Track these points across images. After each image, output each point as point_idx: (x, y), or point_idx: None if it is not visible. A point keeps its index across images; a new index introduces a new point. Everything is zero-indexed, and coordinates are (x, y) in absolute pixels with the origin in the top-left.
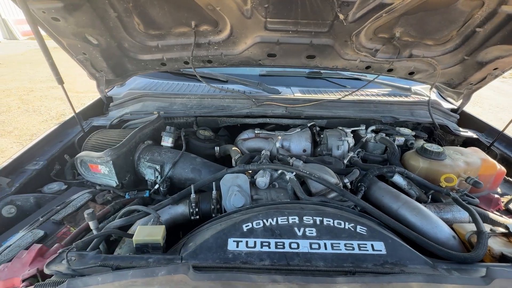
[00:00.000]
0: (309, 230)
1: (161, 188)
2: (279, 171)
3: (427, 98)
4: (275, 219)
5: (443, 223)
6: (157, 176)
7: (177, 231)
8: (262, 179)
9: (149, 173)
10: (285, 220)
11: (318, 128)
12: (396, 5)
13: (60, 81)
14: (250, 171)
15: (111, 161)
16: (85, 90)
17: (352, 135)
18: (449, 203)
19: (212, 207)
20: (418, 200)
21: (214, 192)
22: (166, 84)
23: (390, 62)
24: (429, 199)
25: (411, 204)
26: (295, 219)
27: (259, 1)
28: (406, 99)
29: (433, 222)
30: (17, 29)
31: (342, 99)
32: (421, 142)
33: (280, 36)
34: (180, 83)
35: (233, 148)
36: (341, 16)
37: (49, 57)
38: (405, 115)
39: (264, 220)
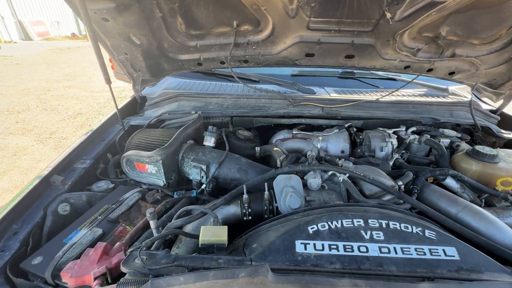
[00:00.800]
0: (376, 234)
1: (206, 188)
2: (330, 173)
3: (465, 99)
4: (339, 221)
5: (509, 228)
6: (202, 176)
7: None
8: (315, 180)
9: (194, 173)
10: (350, 222)
11: (355, 129)
12: (447, 4)
13: (108, 81)
14: (301, 172)
15: (160, 161)
16: (100, 90)
17: (395, 136)
18: (507, 208)
19: (265, 208)
20: None
21: (266, 192)
22: (198, 84)
23: (431, 62)
24: (483, 203)
25: (472, 208)
26: (360, 221)
27: (306, 0)
28: (444, 99)
29: (500, 227)
30: (32, 30)
31: (380, 99)
32: (463, 144)
33: (321, 36)
34: (213, 83)
35: (275, 149)
36: (388, 15)
37: (100, 57)
38: (445, 116)
39: (329, 222)
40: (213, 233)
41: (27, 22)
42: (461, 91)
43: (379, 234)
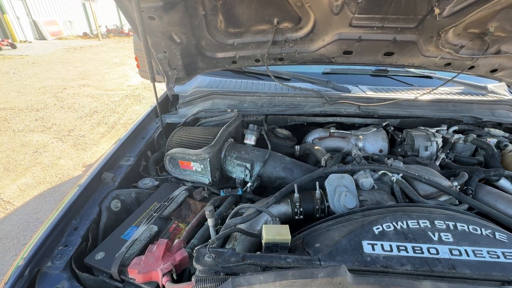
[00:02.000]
0: (444, 235)
1: (250, 187)
2: (380, 172)
3: (506, 97)
4: (404, 222)
5: None
6: (246, 175)
7: None
8: (367, 180)
9: (238, 171)
10: (416, 223)
11: (392, 128)
12: None
13: (153, 79)
14: (350, 171)
15: (208, 159)
16: (113, 88)
17: (440, 135)
18: None
19: (316, 207)
20: None
21: (318, 191)
22: (230, 82)
23: (474, 59)
24: None
25: None
26: (426, 223)
27: None
28: (484, 98)
29: None
30: (46, 30)
31: (419, 98)
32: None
33: (362, 33)
34: (244, 81)
35: (317, 148)
36: (437, 11)
37: (149, 56)
38: (485, 115)
39: (394, 223)
40: (276, 231)
41: (41, 22)
42: (499, 89)
43: (447, 235)
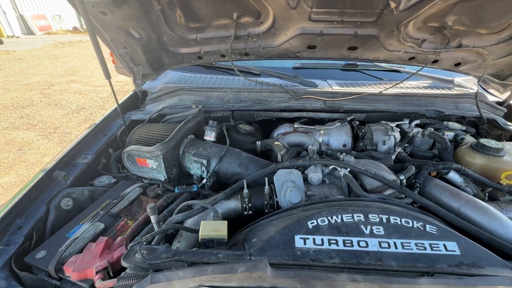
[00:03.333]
0: (376, 229)
1: (207, 183)
2: (330, 167)
3: (471, 91)
4: (339, 216)
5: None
6: (203, 171)
7: None
8: (316, 175)
9: (195, 168)
10: (350, 217)
11: (357, 122)
12: None
13: (107, 76)
14: (301, 167)
15: (161, 155)
16: (102, 84)
17: (398, 129)
18: (511, 202)
19: (265, 202)
20: None
21: (267, 187)
22: (199, 77)
23: (437, 53)
24: (486, 197)
25: (475, 203)
26: (360, 216)
27: None
28: (449, 91)
29: (503, 221)
30: (34, 24)
31: (383, 92)
32: (468, 137)
33: (323, 27)
34: (214, 76)
35: (276, 143)
36: (393, 5)
37: (99, 52)
38: (449, 109)
39: (329, 217)
40: (213, 227)
41: (29, 16)
42: (467, 83)
43: (379, 229)
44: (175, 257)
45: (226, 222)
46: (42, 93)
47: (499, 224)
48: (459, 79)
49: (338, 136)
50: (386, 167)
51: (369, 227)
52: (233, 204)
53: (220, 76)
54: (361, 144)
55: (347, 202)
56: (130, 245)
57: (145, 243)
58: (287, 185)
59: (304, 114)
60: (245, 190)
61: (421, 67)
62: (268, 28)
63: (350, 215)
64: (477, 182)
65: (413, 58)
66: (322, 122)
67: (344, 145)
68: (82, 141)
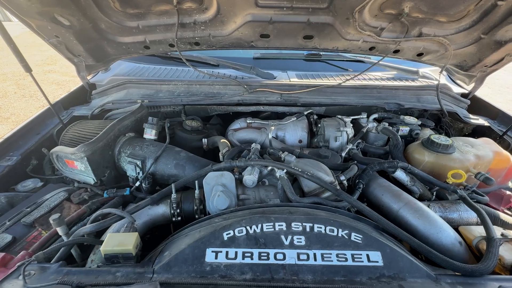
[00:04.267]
0: (297, 239)
1: (143, 185)
2: (269, 168)
3: (435, 82)
4: (259, 225)
5: (448, 227)
6: (138, 172)
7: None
8: (250, 177)
9: (129, 169)
10: (271, 227)
11: (315, 117)
12: None
13: (28, 69)
14: (238, 167)
15: (85, 158)
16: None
17: (351, 125)
18: (455, 202)
19: (195, 207)
20: (422, 197)
21: (196, 191)
22: (152, 69)
23: (397, 42)
24: (434, 196)
25: (413, 205)
26: (282, 225)
27: None
28: (412, 83)
29: (438, 226)
30: None
31: (343, 84)
32: (427, 132)
33: (273, 14)
34: (168, 67)
35: (222, 140)
36: None
37: (10, 42)
38: (410, 102)
39: (248, 227)
40: (118, 241)
41: None
42: (434, 74)
43: (300, 239)
44: (65, 277)
45: (136, 234)
46: (16, 84)
47: (435, 229)
48: (425, 69)
49: (293, 132)
50: (326, 168)
51: (289, 237)
52: (161, 209)
53: (174, 67)
54: (315, 140)
55: (272, 209)
56: (17, 264)
57: (36, 261)
58: (217, 189)
59: (261, 108)
60: (173, 195)
61: (381, 58)
62: (214, 15)
63: (272, 224)
64: (424, 180)
65: (373, 48)
66: (283, 116)
67: (300, 141)
68: (7, 140)
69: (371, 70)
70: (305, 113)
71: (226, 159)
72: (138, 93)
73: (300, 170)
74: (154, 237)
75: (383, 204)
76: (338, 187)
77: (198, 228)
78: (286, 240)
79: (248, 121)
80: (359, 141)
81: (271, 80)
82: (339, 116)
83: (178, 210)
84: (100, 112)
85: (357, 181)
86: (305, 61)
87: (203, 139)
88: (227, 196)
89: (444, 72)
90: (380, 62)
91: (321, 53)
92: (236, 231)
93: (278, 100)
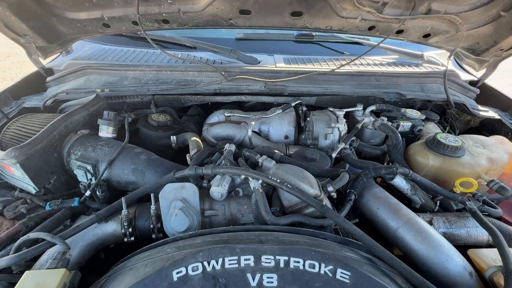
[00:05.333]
0: (268, 278)
1: (97, 193)
2: (242, 177)
3: (442, 68)
4: (220, 260)
5: (456, 253)
6: (90, 179)
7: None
8: (218, 190)
9: (80, 175)
10: (235, 261)
11: (305, 108)
12: None
13: None
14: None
15: (18, 164)
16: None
17: (344, 120)
18: (462, 215)
19: (152, 226)
20: (423, 208)
21: (153, 206)
22: (119, 51)
23: (401, 21)
24: (437, 207)
25: (415, 225)
26: (249, 260)
27: None
28: (416, 69)
29: (444, 252)
30: None
31: (337, 70)
32: (430, 126)
33: None
34: (137, 50)
35: (192, 139)
36: None
37: None
38: (413, 91)
39: (205, 263)
40: (36, 283)
41: None
42: (440, 58)
43: (271, 278)
44: None
45: (63, 270)
46: None
47: (440, 256)
48: (431, 53)
49: (279, 126)
50: (311, 177)
51: (258, 276)
52: (112, 227)
53: (145, 49)
54: (303, 136)
55: (240, 235)
56: None
57: None
58: (175, 205)
59: (243, 98)
60: (124, 211)
61: (382, 39)
62: None
63: (236, 258)
64: (427, 188)
65: (373, 27)
66: (270, 106)
67: (286, 137)
68: None
69: (369, 54)
70: (293, 104)
71: (193, 164)
72: (99, 80)
73: (278, 180)
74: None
75: (378, 220)
76: (324, 200)
77: (145, 259)
78: (254, 280)
79: (226, 114)
80: (353, 138)
81: (254, 66)
82: (331, 109)
83: (131, 229)
84: (53, 103)
85: (348, 190)
86: (295, 43)
87: (171, 137)
88: (187, 215)
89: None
90: (381, 45)
91: (313, 33)
92: (190, 268)
93: (262, 89)
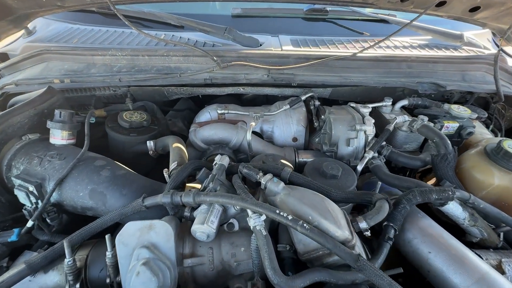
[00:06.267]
0: None
1: (48, 221)
2: (237, 207)
3: (486, 52)
4: None
5: None
6: (34, 202)
7: None
8: (203, 229)
9: (21, 197)
10: None
11: (318, 103)
12: None
13: None
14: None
15: None
16: None
17: (373, 120)
18: None
19: (109, 280)
20: (483, 243)
21: (108, 253)
22: (89, 31)
23: None
24: (501, 241)
25: (493, 285)
26: None
27: None
28: (455, 53)
29: None
30: None
31: (359, 54)
32: (482, 130)
33: None
34: (111, 29)
35: (174, 145)
36: None
37: None
38: (454, 81)
39: None
40: None
41: None
42: (479, 39)
43: None
44: None
45: None
46: None
47: None
48: (470, 33)
49: (285, 126)
50: (337, 208)
51: None
52: (53, 280)
53: (120, 29)
54: (317, 140)
55: None
56: None
57: None
58: (140, 255)
59: (241, 89)
60: (68, 259)
61: (418, 15)
62: None
63: None
64: (493, 217)
65: None
66: (274, 100)
67: (295, 140)
68: None
69: (396, 35)
70: (303, 97)
71: (169, 186)
72: (61, 68)
73: (291, 217)
74: None
75: (431, 270)
76: (357, 245)
77: None
78: None
79: (219, 111)
80: (383, 144)
81: (254, 49)
82: (352, 105)
83: (78, 286)
84: (2, 98)
85: (385, 223)
86: (304, 21)
87: (147, 142)
88: (154, 272)
89: (489, 37)
90: (413, 23)
91: (327, 7)
92: None
93: (264, 78)
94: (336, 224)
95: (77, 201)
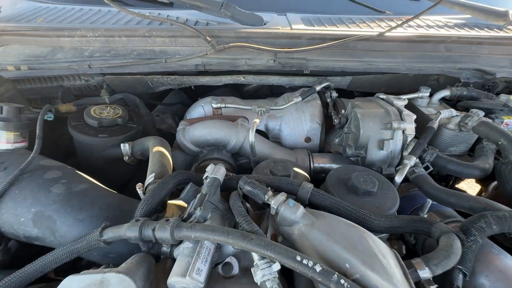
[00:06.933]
0: None
1: None
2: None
3: None
4: None
5: None
6: None
7: None
8: (185, 285)
9: None
10: None
11: (335, 94)
12: None
13: None
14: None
15: None
16: None
17: (414, 116)
18: None
19: None
20: None
21: None
22: (60, 10)
23: None
24: None
25: None
26: None
27: None
28: (499, 33)
29: None
30: None
31: (387, 34)
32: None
33: None
34: (85, 8)
35: (156, 149)
36: None
37: None
38: (501, 67)
39: None
40: None
41: None
42: None
43: None
44: None
45: None
46: None
47: None
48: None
49: (296, 123)
50: (385, 248)
51: None
52: None
53: (96, 7)
54: (336, 140)
55: None
56: None
57: None
58: None
59: (241, 79)
60: None
61: None
62: None
63: None
64: None
65: None
66: (280, 91)
67: (308, 140)
68: None
69: (426, 13)
70: (318, 88)
71: (140, 212)
72: (21, 52)
73: (320, 268)
74: None
75: None
76: None
77: None
78: None
79: (214, 105)
80: (427, 147)
81: (257, 28)
82: (382, 96)
83: None
84: None
85: (453, 270)
86: None
87: (121, 144)
88: None
89: None
90: None
91: None
92: None
93: (270, 64)
94: (389, 278)
95: (17, 229)
